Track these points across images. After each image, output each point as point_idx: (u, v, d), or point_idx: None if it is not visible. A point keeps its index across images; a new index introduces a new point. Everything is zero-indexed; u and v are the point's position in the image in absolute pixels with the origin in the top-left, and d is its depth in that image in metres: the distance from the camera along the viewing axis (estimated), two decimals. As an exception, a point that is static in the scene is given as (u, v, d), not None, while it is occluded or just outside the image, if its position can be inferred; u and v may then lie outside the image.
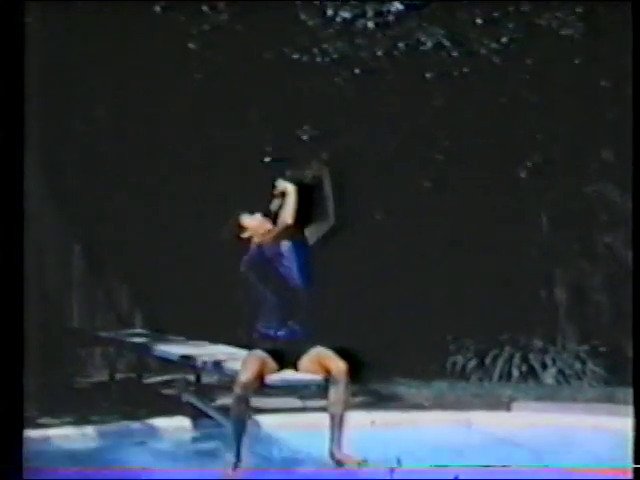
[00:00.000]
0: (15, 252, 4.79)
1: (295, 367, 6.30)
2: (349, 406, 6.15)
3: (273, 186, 6.39)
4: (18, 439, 4.61)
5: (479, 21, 10.52)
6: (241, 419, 6.05)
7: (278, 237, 6.32)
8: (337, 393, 6.08)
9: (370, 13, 10.18)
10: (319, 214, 6.36)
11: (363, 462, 5.98)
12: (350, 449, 6.10)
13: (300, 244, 6.32)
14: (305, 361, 6.26)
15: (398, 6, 10.29)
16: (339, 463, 6.03)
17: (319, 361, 6.20)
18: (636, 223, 6.12)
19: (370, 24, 10.25)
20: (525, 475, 5.82)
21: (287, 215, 6.27)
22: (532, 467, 6.00)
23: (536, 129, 11.60)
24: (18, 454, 4.57)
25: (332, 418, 6.11)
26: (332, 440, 6.10)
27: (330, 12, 10.28)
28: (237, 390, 6.03)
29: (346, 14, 10.25)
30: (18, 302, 4.75)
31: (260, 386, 6.13)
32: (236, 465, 5.96)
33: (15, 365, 4.68)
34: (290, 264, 6.29)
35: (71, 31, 10.16)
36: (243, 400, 6.04)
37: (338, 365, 6.10)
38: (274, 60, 10.57)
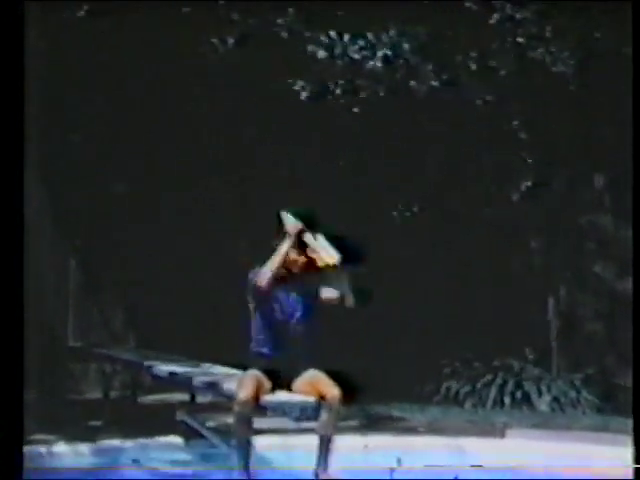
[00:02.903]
0: (15, 268, 4.78)
1: (289, 388, 6.31)
2: (338, 429, 6.15)
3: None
4: (18, 448, 4.60)
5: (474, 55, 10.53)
6: (245, 438, 6.04)
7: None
8: (329, 417, 6.09)
9: (380, 54, 10.17)
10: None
11: None
12: (340, 472, 6.10)
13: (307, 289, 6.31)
14: (299, 383, 6.27)
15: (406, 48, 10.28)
16: None
17: (313, 385, 6.20)
18: (636, 252, 6.12)
19: (377, 64, 10.23)
20: (525, 475, 5.82)
21: (272, 262, 6.19)
22: (532, 467, 6.00)
23: (530, 160, 11.65)
24: (19, 458, 4.55)
25: (321, 439, 6.12)
26: (319, 461, 6.10)
27: (338, 51, 10.26)
28: (237, 409, 6.02)
29: (354, 54, 10.23)
30: (18, 318, 4.74)
31: (255, 405, 6.12)
32: None
33: (15, 381, 4.66)
34: (289, 302, 6.28)
35: (71, 31, 10.11)
36: (244, 419, 6.02)
37: (333, 392, 6.10)
38: (276, 92, 10.57)
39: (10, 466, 4.51)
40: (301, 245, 6.20)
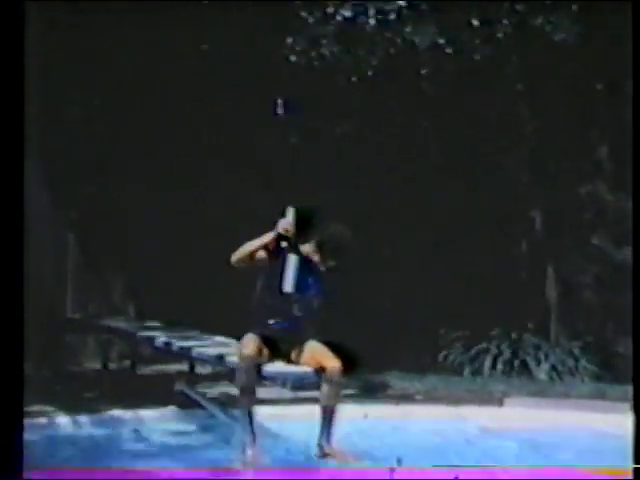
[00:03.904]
0: (14, 241, 4.78)
1: (288, 358, 6.32)
2: (340, 400, 6.17)
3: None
4: (19, 437, 4.61)
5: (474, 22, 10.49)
6: (247, 408, 6.04)
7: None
8: (330, 389, 6.11)
9: (372, 12, 10.09)
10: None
11: (352, 460, 5.98)
12: (342, 442, 6.12)
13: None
14: (299, 354, 6.28)
15: (401, 3, 10.19)
16: (326, 456, 6.05)
17: (314, 356, 6.22)
18: (636, 219, 6.12)
19: (370, 24, 10.16)
20: (525, 475, 5.84)
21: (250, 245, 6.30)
22: (531, 467, 6.01)
23: (530, 129, 11.62)
24: (19, 455, 4.56)
25: (324, 411, 6.13)
26: (322, 433, 6.12)
27: (330, 10, 10.19)
28: (241, 364, 6.03)
29: (347, 13, 10.16)
30: (18, 292, 4.74)
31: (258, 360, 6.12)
32: (253, 451, 5.95)
33: (15, 353, 4.67)
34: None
35: (71, 31, 10.11)
36: (249, 373, 6.01)
37: (333, 364, 6.12)
38: (272, 60, 10.53)
39: (10, 438, 4.52)
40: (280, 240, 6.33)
